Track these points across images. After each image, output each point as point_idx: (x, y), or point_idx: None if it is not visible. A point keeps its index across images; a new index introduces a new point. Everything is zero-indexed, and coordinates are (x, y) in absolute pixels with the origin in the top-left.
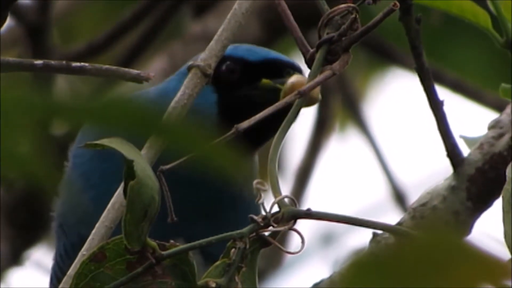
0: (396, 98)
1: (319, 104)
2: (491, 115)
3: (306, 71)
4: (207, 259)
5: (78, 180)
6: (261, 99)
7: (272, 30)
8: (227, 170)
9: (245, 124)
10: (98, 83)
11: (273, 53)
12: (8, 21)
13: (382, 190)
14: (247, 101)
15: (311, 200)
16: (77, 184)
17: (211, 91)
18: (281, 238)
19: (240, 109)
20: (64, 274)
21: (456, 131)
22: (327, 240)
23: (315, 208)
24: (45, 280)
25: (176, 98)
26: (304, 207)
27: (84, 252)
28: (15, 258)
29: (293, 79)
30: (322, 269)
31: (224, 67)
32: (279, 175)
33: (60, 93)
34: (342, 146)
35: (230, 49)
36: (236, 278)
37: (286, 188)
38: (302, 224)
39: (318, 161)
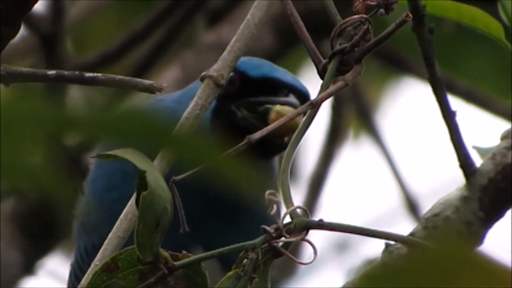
0: (409, 107)
1: (333, 114)
2: (503, 124)
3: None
4: (225, 265)
5: (101, 180)
6: (242, 122)
7: (285, 41)
8: (239, 181)
9: (257, 134)
10: (112, 92)
11: (276, 72)
12: (22, 31)
13: (395, 199)
14: (233, 119)
15: (324, 209)
16: (99, 184)
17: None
18: (294, 248)
19: (226, 122)
20: (83, 273)
21: (469, 141)
22: (340, 249)
23: (327, 217)
24: None
25: (188, 109)
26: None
27: (97, 262)
28: (28, 268)
29: (277, 108)
30: (334, 279)
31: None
32: (293, 184)
33: (73, 103)
34: (355, 155)
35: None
36: None
37: (299, 197)
38: (315, 234)
39: (331, 170)
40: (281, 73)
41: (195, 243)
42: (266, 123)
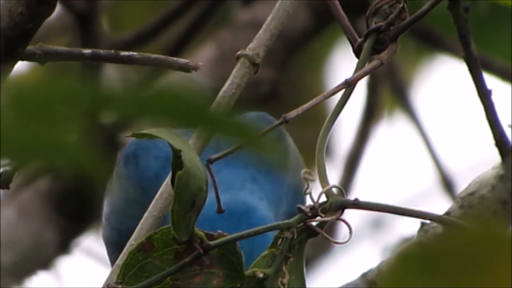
0: (444, 85)
1: (368, 92)
2: None
3: (350, 62)
4: None
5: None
6: None
7: (320, 19)
8: (272, 160)
9: (293, 113)
10: (148, 71)
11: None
12: (57, 9)
13: (430, 178)
14: None
15: (360, 188)
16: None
17: None
18: (329, 227)
19: None
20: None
21: (504, 120)
22: (375, 228)
23: (363, 196)
24: (95, 267)
25: (224, 88)
26: (353, 194)
27: (132, 242)
28: (64, 247)
29: None
30: (370, 258)
31: None
32: (328, 163)
33: (109, 81)
34: (391, 134)
35: None
36: (284, 268)
37: (334, 175)
38: (350, 213)
39: (367, 149)
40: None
41: None
42: None
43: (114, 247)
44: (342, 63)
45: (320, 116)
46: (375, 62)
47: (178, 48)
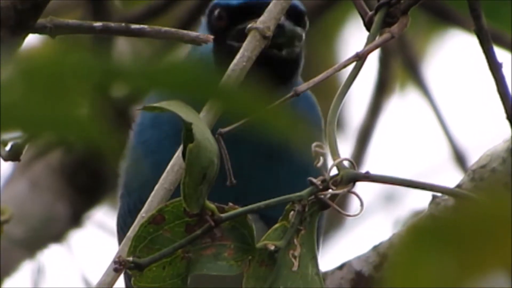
0: (455, 59)
1: (380, 66)
2: None
3: (361, 35)
4: (269, 223)
5: (139, 147)
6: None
7: None
8: (286, 133)
9: (304, 86)
10: (160, 44)
11: None
12: None
13: (442, 151)
14: (232, 52)
15: (371, 161)
16: (138, 150)
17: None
18: (341, 200)
19: (228, 58)
20: (127, 227)
21: None
22: (386, 201)
23: (374, 170)
24: (106, 240)
25: (235, 61)
26: (364, 168)
27: (143, 214)
28: (76, 220)
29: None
30: (381, 231)
31: (214, 15)
32: (340, 137)
33: (120, 55)
34: (402, 107)
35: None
36: (295, 240)
37: (346, 149)
38: (361, 186)
39: (378, 123)
40: None
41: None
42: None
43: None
44: (354, 37)
45: (331, 89)
46: (385, 35)
47: (189, 21)
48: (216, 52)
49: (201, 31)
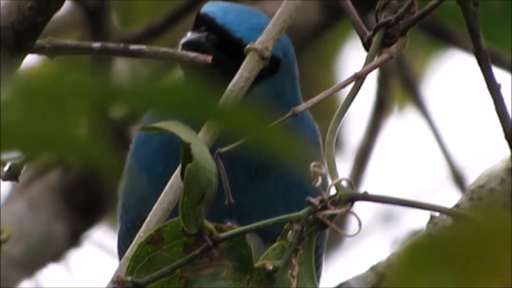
0: (454, 79)
1: (379, 86)
2: None
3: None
4: (265, 238)
5: (134, 164)
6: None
7: (330, 13)
8: (284, 153)
9: (302, 106)
10: (158, 65)
11: (211, 6)
12: (68, 4)
13: (440, 171)
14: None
15: (370, 181)
16: (133, 168)
17: None
18: (340, 219)
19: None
20: (126, 246)
21: None
22: (385, 220)
23: (373, 189)
24: (105, 259)
25: (233, 81)
26: (363, 187)
27: (141, 234)
28: (74, 239)
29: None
30: (380, 250)
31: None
32: (338, 156)
33: (119, 75)
34: (401, 127)
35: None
36: (293, 260)
37: (345, 169)
38: (360, 206)
39: (377, 142)
40: (211, 7)
41: (231, 218)
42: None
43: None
44: (352, 57)
45: (330, 109)
46: (384, 56)
47: None
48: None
49: None
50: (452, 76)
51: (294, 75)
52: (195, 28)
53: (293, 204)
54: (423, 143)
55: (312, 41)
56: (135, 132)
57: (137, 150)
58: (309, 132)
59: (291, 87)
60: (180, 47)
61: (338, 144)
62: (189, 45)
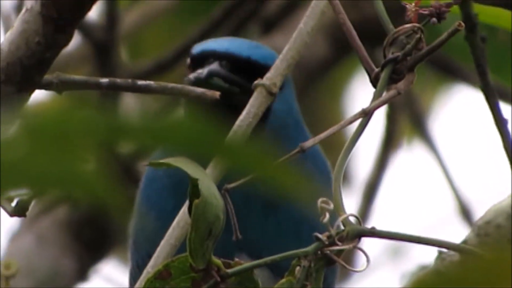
0: (461, 114)
1: (386, 121)
2: None
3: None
4: (275, 272)
5: (143, 202)
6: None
7: (338, 49)
8: (292, 189)
9: (310, 142)
10: (167, 99)
11: (215, 43)
12: (76, 39)
13: (448, 205)
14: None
15: (378, 215)
16: (142, 206)
17: None
18: (348, 255)
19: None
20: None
21: None
22: (392, 256)
23: (381, 224)
24: None
25: (241, 117)
26: (371, 222)
27: (149, 269)
28: (82, 274)
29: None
30: (388, 286)
31: (187, 64)
32: (346, 191)
33: (127, 110)
34: (409, 162)
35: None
36: None
37: (352, 203)
38: (368, 241)
39: (385, 177)
40: (219, 43)
41: (241, 251)
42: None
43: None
44: (360, 92)
45: (337, 144)
46: (392, 92)
47: None
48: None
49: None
50: (459, 111)
51: (294, 91)
52: (200, 65)
53: (303, 238)
54: (431, 177)
55: (320, 75)
56: (143, 169)
57: (147, 187)
58: (319, 166)
59: (294, 102)
60: (190, 82)
61: (346, 178)
62: (210, 76)
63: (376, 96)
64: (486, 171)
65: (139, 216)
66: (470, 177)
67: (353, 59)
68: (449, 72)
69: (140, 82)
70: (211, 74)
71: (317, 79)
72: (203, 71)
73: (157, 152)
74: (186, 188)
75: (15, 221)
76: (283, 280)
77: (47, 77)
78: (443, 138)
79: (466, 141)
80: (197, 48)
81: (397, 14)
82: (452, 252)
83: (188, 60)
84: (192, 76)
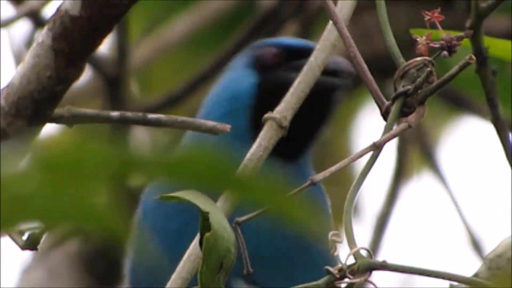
0: (472, 146)
1: (397, 153)
2: None
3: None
4: None
5: (144, 231)
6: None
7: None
8: (303, 223)
9: (320, 176)
10: (177, 133)
11: (311, 43)
12: (88, 72)
13: (459, 237)
14: (285, 80)
15: (388, 247)
16: (144, 235)
17: (251, 74)
18: None
19: (278, 89)
20: None
21: None
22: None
23: (391, 256)
24: None
25: (251, 150)
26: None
27: None
28: None
29: None
30: None
31: (268, 53)
32: (357, 223)
33: (138, 143)
34: (419, 194)
35: (272, 40)
36: None
37: (362, 234)
38: (379, 274)
39: (395, 209)
40: (299, 41)
41: (251, 283)
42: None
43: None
44: (367, 123)
45: (346, 175)
46: (402, 125)
47: None
48: (264, 84)
49: (236, 67)
50: (469, 142)
51: None
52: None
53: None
54: (442, 209)
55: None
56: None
57: (149, 214)
58: (321, 200)
59: None
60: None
61: (355, 209)
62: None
63: (387, 129)
64: (496, 202)
65: (139, 246)
66: (480, 208)
67: (364, 91)
68: (459, 104)
69: (151, 116)
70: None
71: None
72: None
73: (155, 182)
74: (193, 213)
75: (27, 255)
76: None
77: (58, 110)
78: (454, 170)
79: (476, 173)
80: (297, 42)
81: (408, 47)
82: (463, 285)
83: (274, 49)
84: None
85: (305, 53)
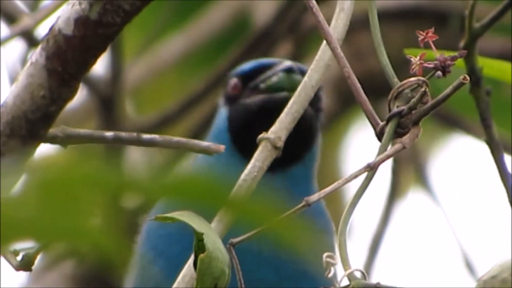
0: (465, 165)
1: (392, 174)
2: None
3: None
4: None
5: (149, 251)
6: (254, 104)
7: (343, 101)
8: (297, 244)
9: (315, 197)
10: (172, 152)
11: (265, 60)
12: (82, 92)
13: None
14: (244, 108)
15: (382, 267)
16: (147, 257)
17: (224, 110)
18: None
19: (241, 118)
20: None
21: None
22: None
23: (385, 276)
24: None
25: (246, 171)
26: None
27: None
28: None
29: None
30: None
31: (230, 86)
32: (351, 244)
33: (132, 163)
34: (413, 214)
35: (234, 71)
36: None
37: (357, 255)
38: None
39: (389, 229)
40: (270, 60)
41: None
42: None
43: None
44: (362, 143)
45: (336, 195)
46: (397, 146)
47: (203, 129)
48: (230, 117)
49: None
50: (462, 162)
51: None
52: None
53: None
54: (435, 229)
55: (324, 128)
56: (143, 223)
57: (151, 236)
58: (322, 220)
59: None
60: (271, 83)
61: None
62: (290, 69)
63: (382, 150)
64: (490, 222)
65: (141, 268)
66: (474, 228)
67: (358, 111)
68: (452, 124)
69: (145, 136)
70: (291, 68)
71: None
72: (275, 71)
73: (160, 204)
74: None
75: (21, 276)
76: None
77: (52, 130)
78: (448, 190)
79: (470, 193)
80: (248, 66)
81: (401, 66)
82: None
83: (234, 80)
84: (271, 74)
85: (258, 72)
